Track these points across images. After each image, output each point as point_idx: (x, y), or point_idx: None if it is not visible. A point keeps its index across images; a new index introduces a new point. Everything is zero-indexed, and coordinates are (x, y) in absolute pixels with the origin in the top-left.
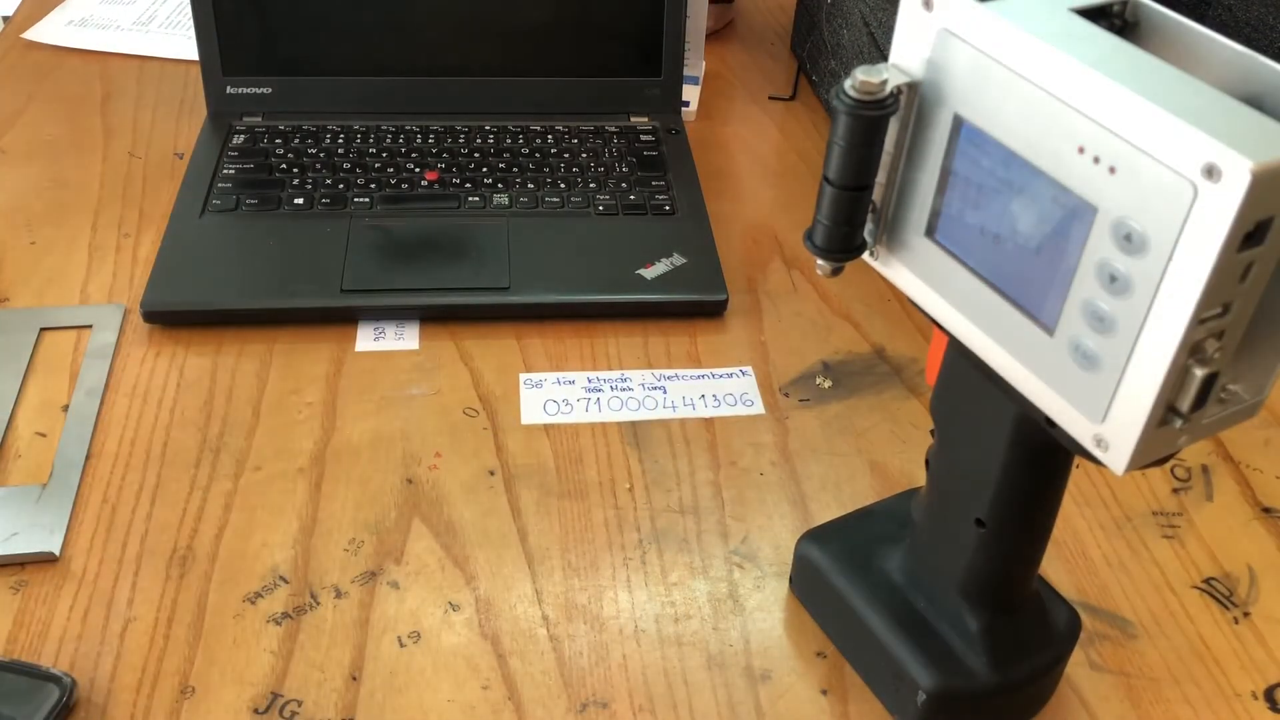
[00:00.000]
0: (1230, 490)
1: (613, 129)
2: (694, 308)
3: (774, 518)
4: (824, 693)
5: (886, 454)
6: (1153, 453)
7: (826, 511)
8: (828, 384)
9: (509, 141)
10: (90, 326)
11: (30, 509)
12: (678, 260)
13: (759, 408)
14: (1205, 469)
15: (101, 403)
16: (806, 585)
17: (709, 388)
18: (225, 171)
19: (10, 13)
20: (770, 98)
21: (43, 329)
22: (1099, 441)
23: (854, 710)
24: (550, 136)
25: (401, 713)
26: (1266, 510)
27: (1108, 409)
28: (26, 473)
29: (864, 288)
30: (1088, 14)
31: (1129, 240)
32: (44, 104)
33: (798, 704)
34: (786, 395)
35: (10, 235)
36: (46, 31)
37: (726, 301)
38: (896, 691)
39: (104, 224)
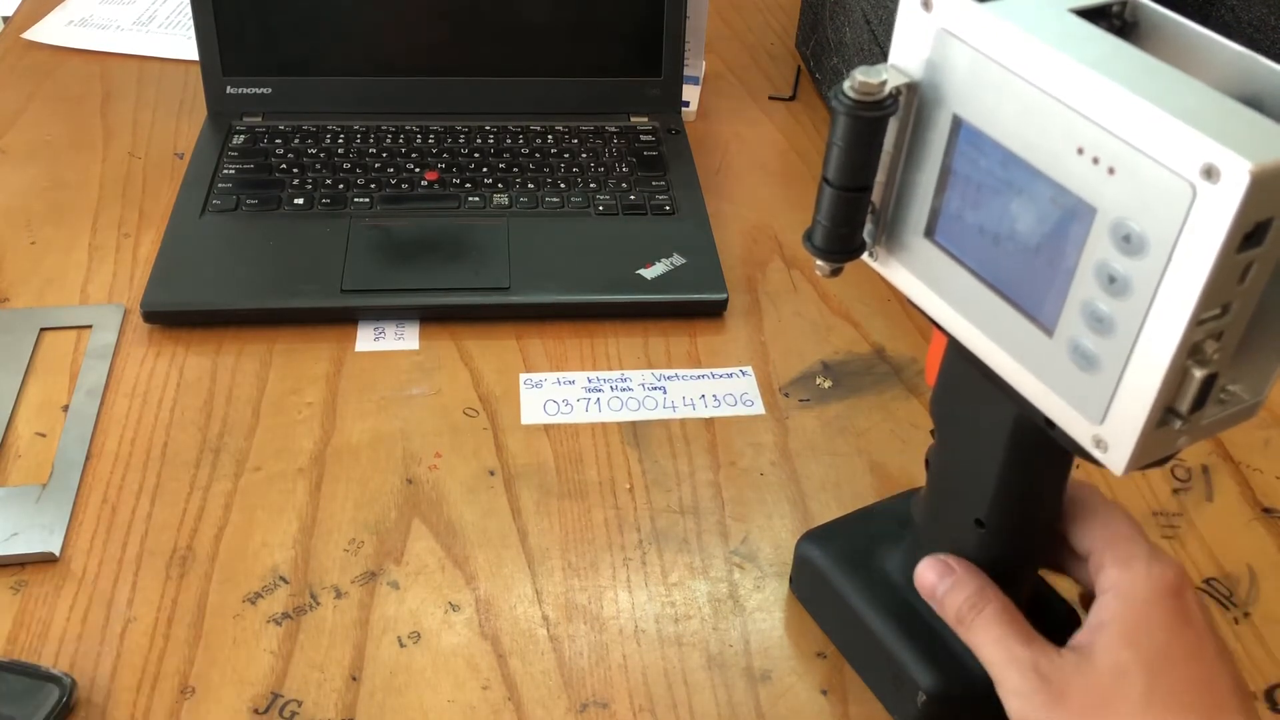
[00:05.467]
0: (1230, 490)
1: (613, 129)
2: (694, 308)
3: (774, 518)
4: (824, 693)
5: (886, 454)
6: (1152, 454)
7: (826, 511)
8: (828, 384)
9: (509, 141)
10: (90, 326)
11: (30, 509)
12: (678, 260)
13: (759, 408)
14: (1205, 469)
15: (101, 403)
16: (806, 585)
17: (709, 388)
18: (225, 171)
19: (10, 13)
20: (770, 98)
21: (43, 329)
22: (1098, 442)
23: (854, 710)
24: (550, 136)
25: (401, 713)
26: (1266, 510)
27: (1107, 410)
28: (26, 473)
29: (864, 288)
30: (1087, 14)
31: (1128, 241)
32: (44, 104)
33: (798, 704)
34: (786, 395)
35: (10, 235)
36: (46, 31)
37: (726, 301)
38: (896, 692)
39: (104, 224)
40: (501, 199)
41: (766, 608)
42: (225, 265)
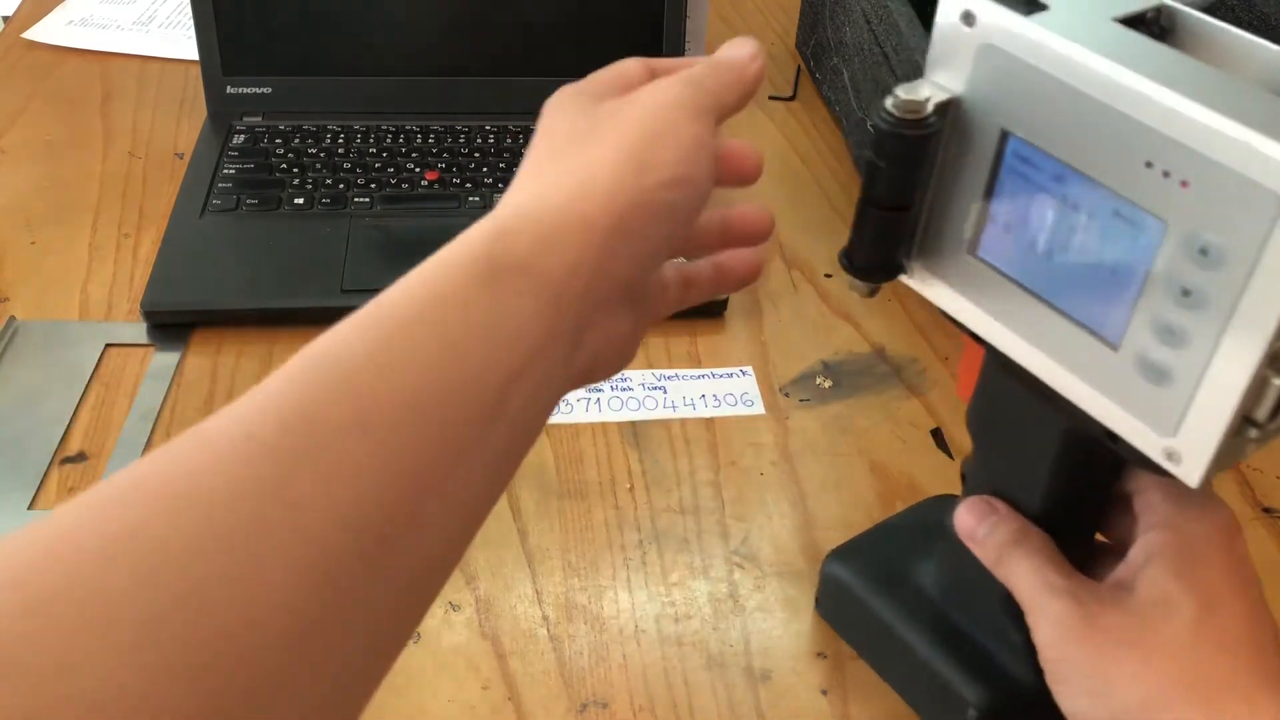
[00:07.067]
0: (1230, 490)
1: None
2: (694, 308)
3: (774, 518)
4: (824, 693)
5: (886, 454)
6: (1225, 463)
7: (826, 511)
8: (828, 384)
9: (509, 141)
10: (153, 346)
11: None
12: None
13: (759, 408)
14: None
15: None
16: (835, 605)
17: (709, 388)
18: (225, 171)
19: (10, 13)
20: (770, 98)
21: (108, 345)
22: (1170, 455)
23: (854, 710)
24: None
25: (401, 713)
26: (1266, 510)
27: (1180, 422)
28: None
29: None
30: (1128, 23)
31: (1204, 254)
32: (44, 104)
33: (798, 704)
34: (787, 395)
35: (10, 235)
36: (46, 31)
37: (726, 301)
38: (943, 709)
39: (104, 224)
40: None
41: (766, 608)
42: (225, 265)
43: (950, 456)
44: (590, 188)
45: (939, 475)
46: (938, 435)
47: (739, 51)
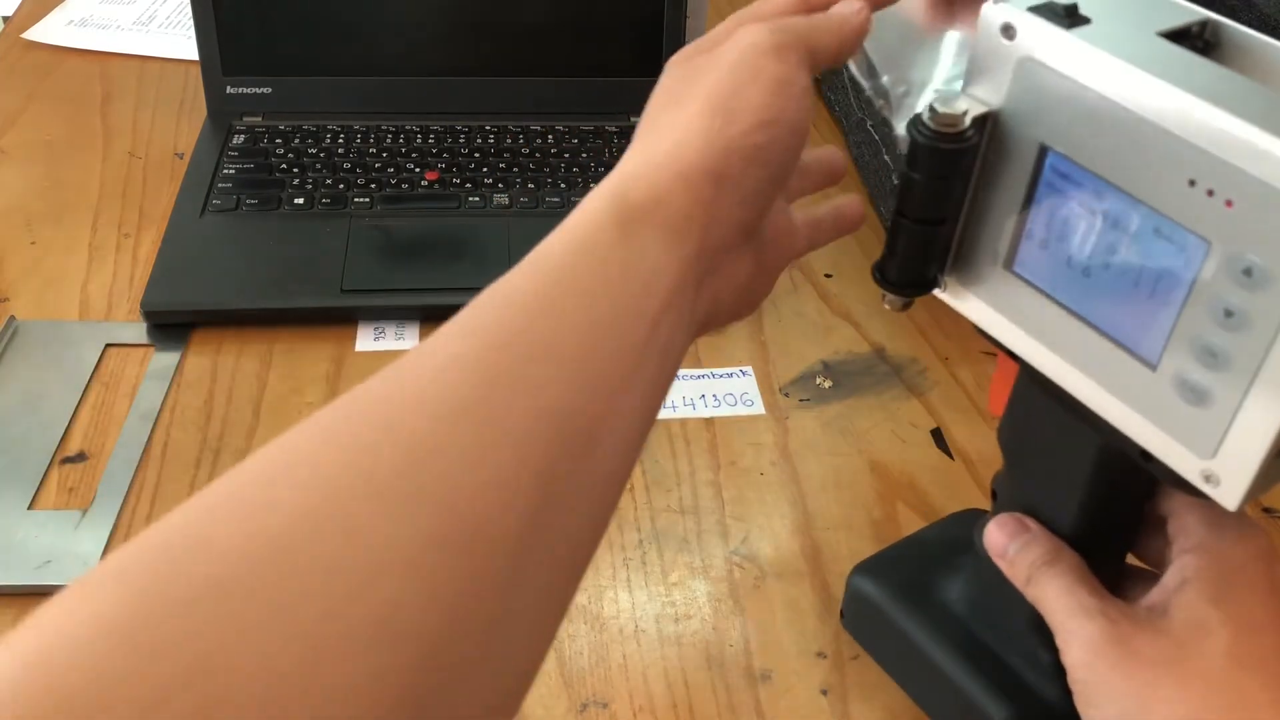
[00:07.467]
0: None
1: (613, 129)
2: None
3: (774, 518)
4: (824, 693)
5: (886, 454)
6: (1265, 485)
7: (827, 511)
8: (828, 384)
9: (509, 141)
10: (152, 346)
11: (69, 536)
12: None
13: (759, 408)
14: None
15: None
16: (861, 619)
17: (709, 387)
18: (225, 171)
19: (10, 13)
20: None
21: (108, 345)
22: (1208, 477)
23: (854, 710)
24: (550, 136)
25: None
26: (1266, 510)
27: (1219, 445)
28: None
29: (864, 288)
30: (1171, 38)
31: (1248, 275)
32: (44, 104)
33: (798, 704)
34: (786, 395)
35: (10, 235)
36: (46, 31)
37: None
38: None
39: (104, 224)
40: (502, 199)
41: (766, 608)
42: (225, 265)
43: (950, 457)
44: (684, 146)
45: (939, 475)
46: (938, 435)
47: (844, 6)
